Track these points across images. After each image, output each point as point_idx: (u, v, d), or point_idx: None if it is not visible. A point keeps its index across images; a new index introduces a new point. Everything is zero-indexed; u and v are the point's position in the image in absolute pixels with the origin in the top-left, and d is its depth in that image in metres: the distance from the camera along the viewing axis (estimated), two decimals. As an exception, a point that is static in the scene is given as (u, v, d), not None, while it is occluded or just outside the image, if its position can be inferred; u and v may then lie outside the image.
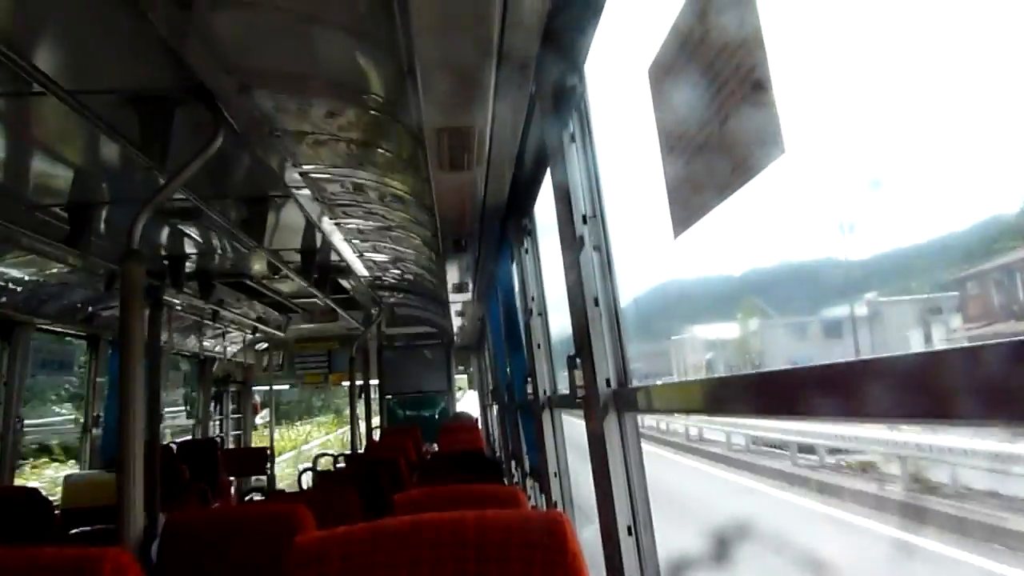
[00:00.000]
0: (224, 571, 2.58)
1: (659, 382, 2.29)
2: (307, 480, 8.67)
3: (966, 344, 0.74)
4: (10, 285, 5.50)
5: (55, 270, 5.61)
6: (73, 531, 4.63)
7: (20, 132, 3.56)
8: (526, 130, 3.09)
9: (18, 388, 5.99)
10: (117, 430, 3.08)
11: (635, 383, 2.28)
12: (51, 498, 4.95)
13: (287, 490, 8.85)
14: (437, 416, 11.70)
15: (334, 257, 6.47)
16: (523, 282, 4.30)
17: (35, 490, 5.22)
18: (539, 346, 4.22)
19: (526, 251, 4.19)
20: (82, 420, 7.50)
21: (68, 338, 7.33)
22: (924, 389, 0.81)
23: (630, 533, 2.20)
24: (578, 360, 2.46)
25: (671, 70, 1.61)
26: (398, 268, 7.21)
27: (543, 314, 4.19)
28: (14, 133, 3.57)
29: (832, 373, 0.99)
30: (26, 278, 5.53)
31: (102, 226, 4.84)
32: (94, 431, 7.59)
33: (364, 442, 10.43)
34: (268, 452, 10.22)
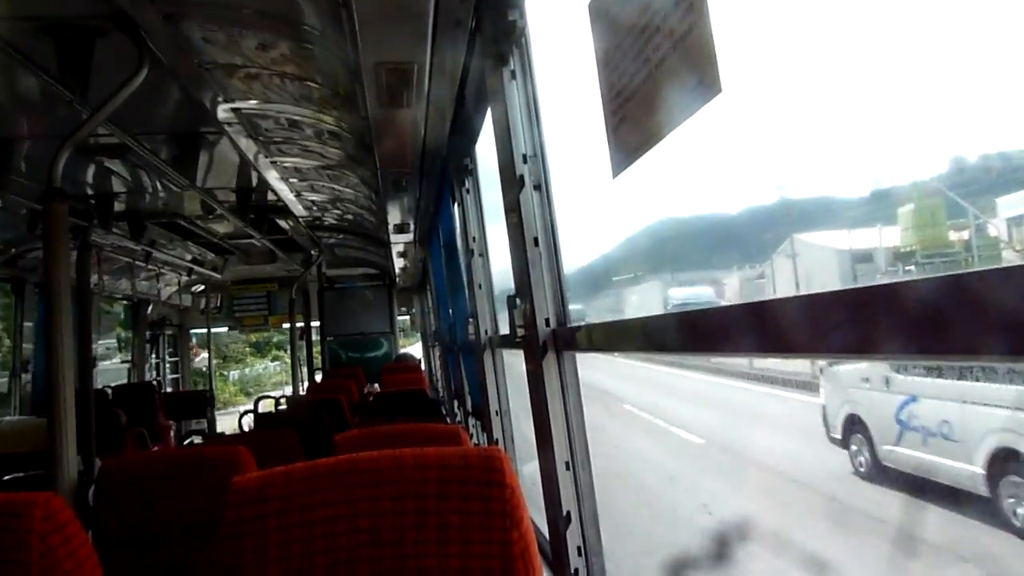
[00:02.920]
0: (163, 514, 2.56)
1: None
2: (248, 423, 8.61)
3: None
4: (-77, 225, 5.21)
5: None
6: (6, 477, 4.52)
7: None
8: (467, 67, 3.03)
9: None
10: (46, 376, 2.99)
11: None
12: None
13: (227, 433, 8.79)
14: (380, 358, 11.68)
15: (271, 197, 6.30)
16: (464, 223, 4.27)
17: (-39, 437, 5.07)
18: (480, 287, 4.23)
19: (467, 191, 4.16)
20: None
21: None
22: (826, 324, 0.84)
23: (568, 468, 2.25)
24: (518, 300, 2.47)
25: (611, 6, 1.58)
26: (338, 208, 7.08)
27: (484, 255, 4.18)
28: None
29: (758, 310, 1.02)
30: (-59, 218, 5.26)
31: (22, 164, 4.60)
32: (23, 376, 7.37)
33: (306, 384, 10.38)
34: (208, 395, 10.10)
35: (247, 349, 30.56)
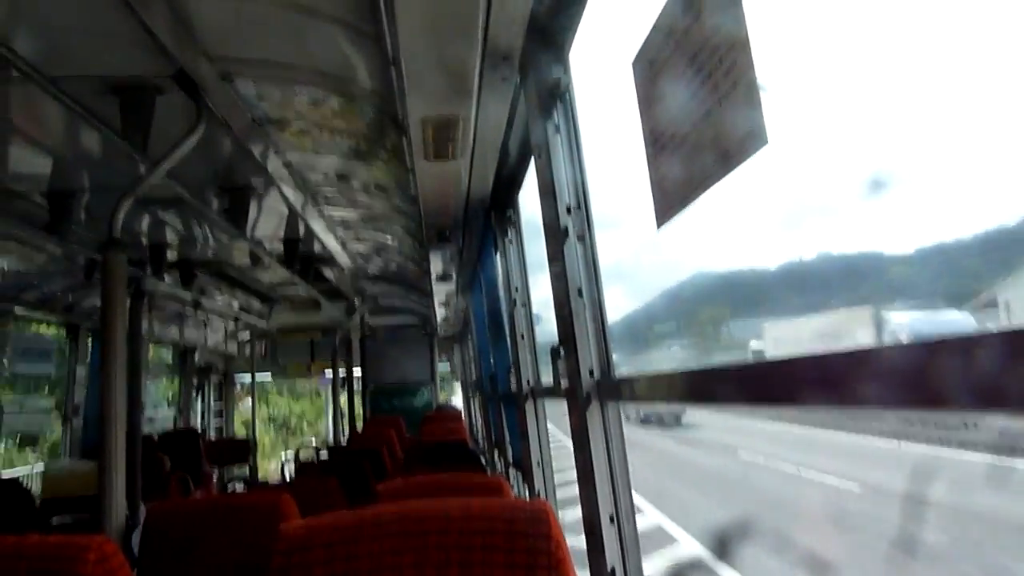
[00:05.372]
0: (207, 560, 2.58)
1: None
2: (289, 471, 8.65)
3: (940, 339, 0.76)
4: (-12, 273, 5.44)
5: (35, 259, 5.54)
6: (55, 521, 4.60)
7: (-1, 118, 3.52)
8: (511, 121, 3.09)
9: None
10: (98, 420, 3.06)
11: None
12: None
13: (269, 481, 8.83)
14: (420, 407, 11.68)
15: (317, 247, 6.44)
16: (507, 273, 4.30)
17: (15, 481, 5.18)
18: (522, 337, 4.23)
19: (510, 242, 4.19)
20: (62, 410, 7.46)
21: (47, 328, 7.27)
22: (904, 379, 0.82)
23: (612, 522, 2.22)
24: (562, 351, 2.47)
25: (655, 62, 1.61)
26: (381, 258, 7.19)
27: (527, 305, 4.19)
28: (-7, 119, 3.52)
29: (821, 364, 1.01)
30: (4, 267, 5.46)
31: (82, 214, 4.78)
32: (74, 420, 7.54)
33: (347, 433, 10.41)
34: (250, 443, 10.19)
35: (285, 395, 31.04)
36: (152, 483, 5.50)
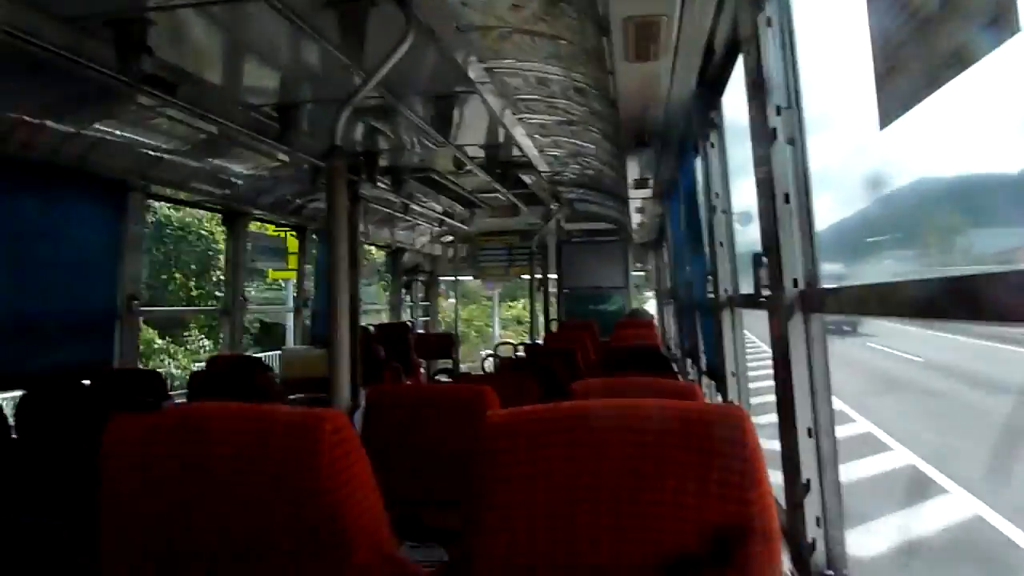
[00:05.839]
0: (419, 442, 2.85)
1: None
2: (489, 366, 9.17)
3: None
4: (231, 179, 6.11)
5: (268, 166, 6.16)
6: (291, 397, 5.25)
7: (235, 38, 3.87)
8: (717, 15, 2.92)
9: (242, 270, 6.77)
10: (326, 312, 3.42)
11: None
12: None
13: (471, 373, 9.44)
14: (614, 312, 11.80)
15: (516, 152, 6.58)
16: (707, 178, 4.16)
17: (260, 359, 5.96)
18: (721, 244, 4.11)
19: (712, 145, 4.03)
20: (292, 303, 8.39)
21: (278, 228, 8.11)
22: None
23: (810, 435, 2.16)
24: (764, 259, 2.38)
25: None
26: (578, 163, 7.21)
27: (727, 211, 4.05)
28: (231, 39, 3.88)
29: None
30: (244, 172, 6.12)
31: (305, 124, 5.21)
32: (303, 312, 8.46)
33: (543, 333, 10.81)
34: (454, 338, 10.92)
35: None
36: (369, 371, 6.08)
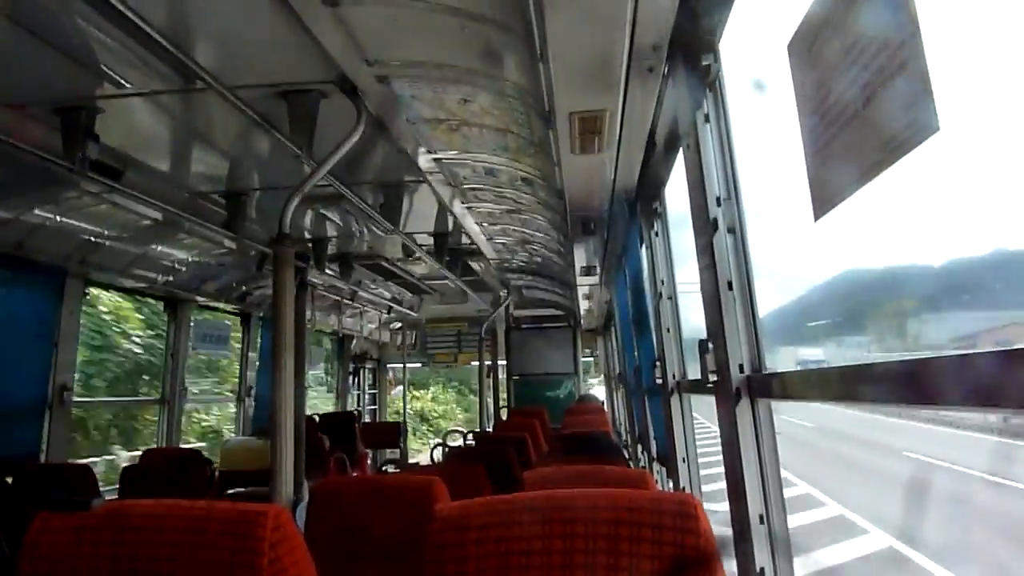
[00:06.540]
0: (365, 535, 2.74)
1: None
2: (438, 456, 8.98)
3: None
4: (176, 266, 6.02)
5: (213, 252, 6.09)
6: (229, 491, 5.04)
7: (185, 126, 3.89)
8: (658, 111, 3.05)
9: (182, 359, 6.58)
10: (269, 401, 3.33)
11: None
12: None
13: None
14: (563, 398, 11.78)
15: (465, 240, 6.65)
16: (652, 265, 4.25)
17: (199, 452, 5.73)
18: (668, 330, 4.17)
19: (656, 234, 4.14)
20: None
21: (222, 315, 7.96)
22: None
23: (762, 522, 2.15)
24: (710, 345, 2.42)
25: (813, 44, 1.55)
26: (526, 251, 7.31)
27: (672, 297, 4.13)
28: (180, 126, 3.90)
29: (989, 360, 0.94)
30: (189, 259, 6.04)
31: (253, 212, 5.20)
32: (246, 400, 8.22)
33: (492, 421, 10.69)
34: (402, 427, 10.70)
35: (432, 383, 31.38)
36: (313, 461, 5.90)
